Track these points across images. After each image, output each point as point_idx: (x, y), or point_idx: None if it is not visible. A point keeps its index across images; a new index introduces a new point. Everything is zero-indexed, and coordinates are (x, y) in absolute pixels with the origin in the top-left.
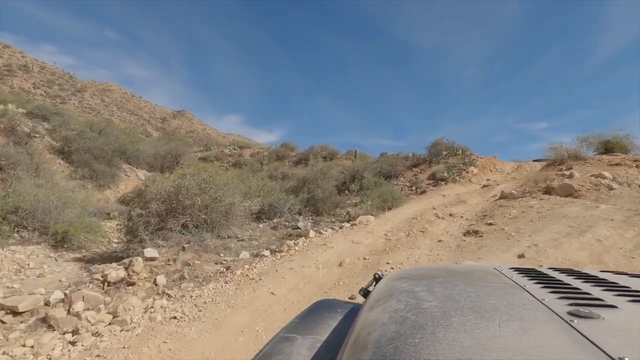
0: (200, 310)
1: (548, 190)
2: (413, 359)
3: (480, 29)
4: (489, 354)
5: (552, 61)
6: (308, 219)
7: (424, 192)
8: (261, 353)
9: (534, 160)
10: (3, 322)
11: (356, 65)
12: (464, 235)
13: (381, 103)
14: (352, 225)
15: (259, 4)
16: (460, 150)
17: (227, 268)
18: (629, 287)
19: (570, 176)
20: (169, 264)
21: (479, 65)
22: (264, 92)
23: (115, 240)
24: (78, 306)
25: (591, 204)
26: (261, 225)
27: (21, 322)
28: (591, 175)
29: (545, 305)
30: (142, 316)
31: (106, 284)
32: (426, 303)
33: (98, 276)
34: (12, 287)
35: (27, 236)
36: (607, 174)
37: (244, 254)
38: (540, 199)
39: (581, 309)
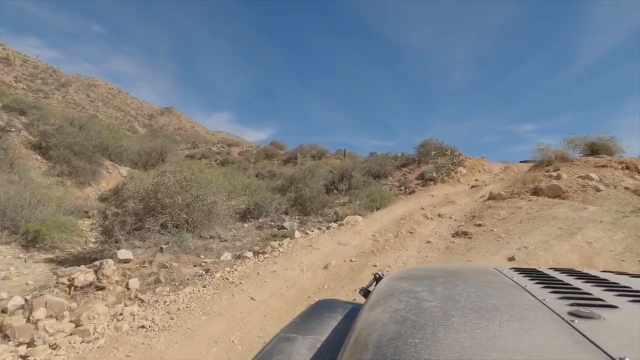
0: (172, 318)
1: (536, 191)
2: (413, 359)
3: (470, 32)
4: (490, 354)
5: (538, 65)
6: (295, 218)
7: (412, 192)
8: (262, 353)
9: (521, 162)
10: None
11: (347, 64)
12: (453, 236)
13: (371, 103)
14: (339, 225)
15: (251, 0)
16: (449, 151)
17: (207, 271)
18: (630, 287)
19: (558, 177)
20: (144, 267)
21: (468, 67)
22: (255, 90)
23: (93, 240)
24: (39, 313)
25: (579, 205)
26: (246, 225)
27: None
28: (578, 177)
29: (545, 305)
30: (108, 325)
31: (73, 288)
32: (427, 303)
33: (64, 280)
34: None
35: None
36: (594, 175)
37: (226, 256)
38: (529, 200)
39: (582, 309)
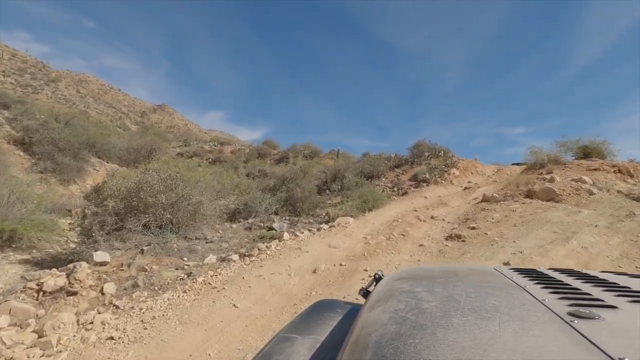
0: (146, 328)
1: (530, 194)
2: (413, 359)
3: (463, 35)
4: (489, 354)
5: (530, 68)
6: (285, 219)
7: (405, 193)
8: (261, 353)
9: (513, 164)
10: None
11: (341, 65)
12: (446, 239)
13: (365, 103)
14: (330, 227)
15: None
16: (442, 152)
17: (189, 274)
18: (629, 288)
19: (552, 180)
20: (122, 270)
21: (461, 70)
22: (249, 89)
23: (75, 240)
24: (1, 321)
25: (573, 208)
26: (235, 226)
27: None
28: (572, 180)
29: (545, 305)
30: (74, 335)
31: (41, 293)
32: (426, 303)
33: (33, 284)
34: None
35: None
36: (587, 178)
37: (210, 258)
38: (523, 203)
39: (581, 309)
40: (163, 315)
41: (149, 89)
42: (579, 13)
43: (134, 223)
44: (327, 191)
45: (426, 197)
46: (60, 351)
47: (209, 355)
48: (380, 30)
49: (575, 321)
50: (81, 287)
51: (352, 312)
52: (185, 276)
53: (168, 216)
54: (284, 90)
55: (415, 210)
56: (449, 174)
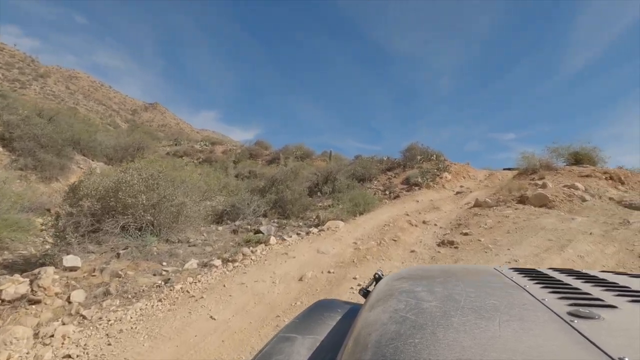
0: (110, 344)
1: (522, 200)
2: (413, 359)
3: (456, 40)
4: (489, 354)
5: (520, 76)
6: (273, 222)
7: (397, 196)
8: (261, 353)
9: (505, 169)
10: None
11: (335, 67)
12: (439, 245)
13: (358, 106)
14: (319, 231)
15: None
16: (435, 156)
17: (167, 281)
18: (629, 287)
19: (544, 186)
20: (94, 275)
21: (453, 75)
22: (243, 89)
23: (51, 241)
24: None
25: (566, 215)
26: (220, 228)
27: None
28: (564, 186)
29: (545, 305)
30: (27, 353)
31: (0, 302)
32: (426, 303)
33: None
34: None
35: None
36: (579, 185)
37: (191, 263)
38: (515, 209)
39: (581, 309)
40: (132, 328)
41: (141, 87)
42: (571, 19)
43: (111, 225)
44: (319, 193)
45: (418, 201)
46: None
47: None
48: (375, 33)
49: (575, 321)
50: (46, 295)
51: (352, 311)
52: (163, 283)
53: (149, 218)
54: (277, 91)
55: (407, 215)
56: (441, 177)
